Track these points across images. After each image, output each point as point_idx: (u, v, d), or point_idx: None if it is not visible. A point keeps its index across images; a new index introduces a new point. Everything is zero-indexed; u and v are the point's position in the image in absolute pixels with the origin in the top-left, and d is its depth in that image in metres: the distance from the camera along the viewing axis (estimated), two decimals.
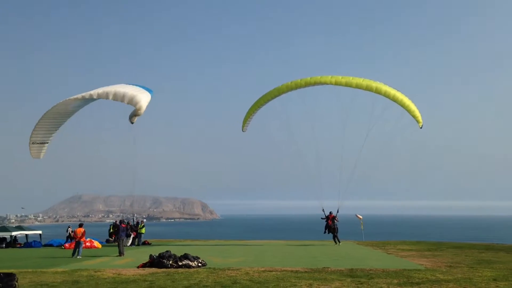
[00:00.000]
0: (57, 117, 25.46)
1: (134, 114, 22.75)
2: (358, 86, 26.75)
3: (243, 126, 31.52)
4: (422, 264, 19.41)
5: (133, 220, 34.35)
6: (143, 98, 23.09)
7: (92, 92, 24.06)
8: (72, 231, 35.90)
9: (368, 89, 26.70)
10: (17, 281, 12.92)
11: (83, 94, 24.21)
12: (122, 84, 25.00)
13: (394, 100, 26.92)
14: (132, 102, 22.82)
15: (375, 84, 26.81)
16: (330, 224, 32.05)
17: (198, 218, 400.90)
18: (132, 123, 23.03)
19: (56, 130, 26.11)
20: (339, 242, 32.32)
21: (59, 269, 18.02)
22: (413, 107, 27.40)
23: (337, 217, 32.28)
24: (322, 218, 32.59)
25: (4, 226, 39.68)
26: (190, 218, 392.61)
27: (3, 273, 13.21)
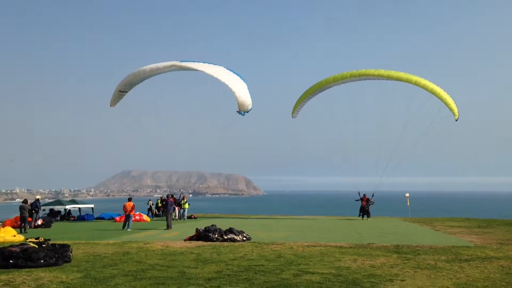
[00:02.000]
0: (146, 73, 26.32)
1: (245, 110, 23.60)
2: (399, 79, 28.59)
3: (292, 113, 33.22)
4: (472, 241, 18.87)
5: (180, 196, 35.14)
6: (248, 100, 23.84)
7: (192, 64, 24.63)
8: (152, 204, 37.51)
9: (408, 81, 28.42)
10: (71, 252, 13.56)
11: (193, 65, 24.79)
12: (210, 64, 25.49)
13: (433, 93, 28.19)
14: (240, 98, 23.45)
15: (414, 77, 28.43)
16: (364, 205, 33.68)
17: (242, 194, 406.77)
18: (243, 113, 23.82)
19: (137, 84, 27.22)
20: (367, 218, 33.55)
21: (111, 241, 18.78)
22: (450, 100, 28.35)
23: (372, 199, 33.68)
24: (356, 200, 34.29)
25: (58, 200, 41.68)
26: (234, 194, 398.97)
27: (59, 244, 13.91)
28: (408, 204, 38.24)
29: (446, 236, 21.32)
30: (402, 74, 28.69)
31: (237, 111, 23.36)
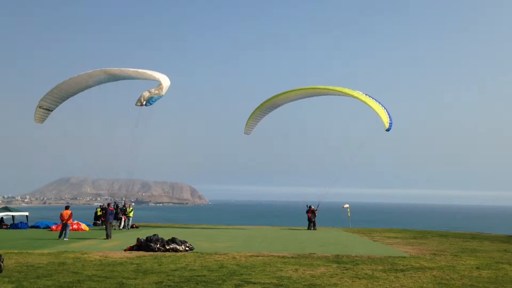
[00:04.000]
0: (73, 87, 25.47)
1: (155, 94, 23.51)
2: (341, 93, 30.16)
3: (245, 129, 34.09)
4: (407, 252, 19.65)
5: (122, 204, 34.24)
6: (166, 81, 24.01)
7: (123, 69, 24.37)
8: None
9: (347, 95, 30.01)
10: (2, 262, 12.82)
11: (111, 69, 24.39)
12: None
13: (368, 104, 29.59)
14: (159, 78, 23.74)
15: (350, 91, 30.02)
16: (310, 217, 34.64)
17: (187, 203, 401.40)
18: (142, 105, 23.65)
19: (64, 100, 26.19)
20: (315, 228, 34.53)
21: (46, 251, 17.95)
22: (381, 111, 29.66)
23: (316, 210, 34.76)
24: (306, 212, 35.00)
25: None
26: (179, 203, 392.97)
27: None
28: (349, 215, 39.32)
29: (383, 247, 22.07)
30: (343, 89, 30.17)
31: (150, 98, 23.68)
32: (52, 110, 26.52)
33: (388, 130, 29.73)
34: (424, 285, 11.68)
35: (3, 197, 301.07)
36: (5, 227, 34.16)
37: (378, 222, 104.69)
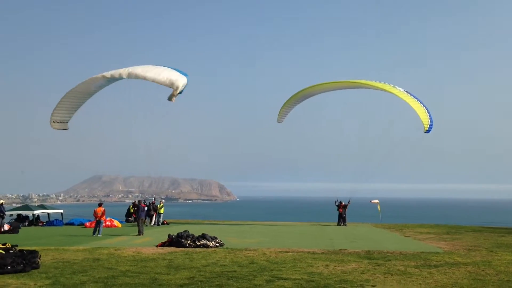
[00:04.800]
0: (79, 96, 25.66)
1: (172, 95, 23.15)
2: (382, 89, 29.07)
3: (278, 118, 33.55)
4: (440, 247, 19.29)
5: (153, 201, 34.78)
6: (179, 79, 23.43)
7: (121, 71, 24.12)
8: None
9: (389, 91, 28.84)
10: (39, 258, 13.23)
11: (112, 72, 24.29)
12: (152, 66, 24.99)
13: (410, 104, 28.71)
14: (167, 83, 23.11)
15: (392, 88, 28.96)
16: (341, 212, 34.31)
17: (215, 200, 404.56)
18: (171, 100, 23.39)
19: (76, 109, 26.36)
20: (345, 223, 34.19)
21: (80, 247, 18.42)
22: (421, 111, 28.70)
23: (347, 207, 34.38)
24: (337, 208, 34.74)
25: (27, 205, 40.65)
26: (207, 199, 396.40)
27: (27, 250, 13.56)
28: (379, 210, 38.83)
29: (415, 242, 21.73)
30: (384, 85, 29.23)
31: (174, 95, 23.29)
32: (67, 122, 26.61)
33: (427, 132, 28.92)
34: (459, 281, 11.45)
35: (39, 195, 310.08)
36: (41, 224, 35.19)
37: (410, 217, 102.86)
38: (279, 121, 33.81)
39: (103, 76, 24.36)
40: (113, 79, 24.89)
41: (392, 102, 29.54)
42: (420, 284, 10.96)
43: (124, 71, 23.98)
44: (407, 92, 28.99)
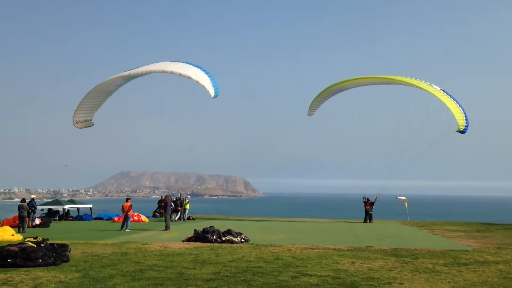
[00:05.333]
0: (99, 96, 26.19)
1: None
2: (417, 86, 28.47)
3: (309, 111, 33.23)
4: (470, 245, 18.89)
5: (180, 196, 35.18)
6: (207, 81, 24.27)
7: (151, 68, 24.65)
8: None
9: (424, 89, 28.26)
10: (70, 252, 13.55)
11: (137, 70, 24.78)
12: (171, 62, 25.44)
13: (444, 103, 27.94)
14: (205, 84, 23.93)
15: (429, 86, 28.36)
16: (367, 209, 33.92)
17: (240, 196, 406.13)
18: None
19: (97, 108, 26.93)
20: (371, 221, 33.80)
21: (109, 241, 18.77)
22: (456, 111, 28.00)
23: (374, 204, 33.92)
24: (363, 201, 34.32)
25: (57, 200, 41.61)
26: (232, 195, 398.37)
27: (57, 244, 13.91)
28: (406, 207, 38.30)
29: (444, 240, 21.33)
30: (420, 83, 28.60)
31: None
32: (91, 120, 27.24)
33: (462, 132, 28.14)
34: (489, 279, 11.19)
35: (69, 190, 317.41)
36: (70, 219, 36.00)
37: (438, 215, 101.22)
38: (309, 114, 33.43)
39: (129, 76, 24.92)
40: (130, 78, 25.45)
41: (426, 100, 28.77)
42: (449, 282, 10.75)
43: (154, 68, 24.54)
44: (443, 90, 28.19)
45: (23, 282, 10.15)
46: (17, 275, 10.89)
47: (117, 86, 26.23)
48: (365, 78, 30.65)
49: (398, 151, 28.53)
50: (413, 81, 28.66)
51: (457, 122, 27.89)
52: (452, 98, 28.04)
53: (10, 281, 10.23)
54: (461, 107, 28.01)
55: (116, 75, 24.94)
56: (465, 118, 27.93)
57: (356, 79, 30.59)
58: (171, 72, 23.91)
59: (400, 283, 10.52)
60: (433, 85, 28.52)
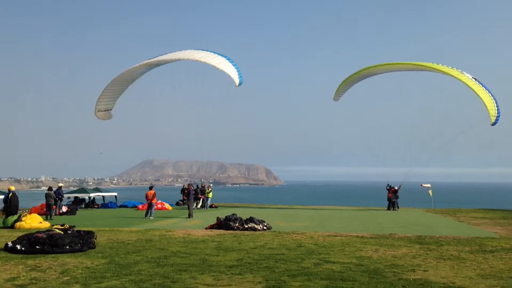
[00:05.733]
0: (121, 84, 26.54)
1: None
2: (449, 74, 27.56)
3: (335, 95, 33.00)
4: (496, 232, 18.55)
5: (201, 185, 35.51)
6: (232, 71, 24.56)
7: (176, 56, 24.89)
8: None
9: (456, 78, 27.43)
10: (96, 238, 13.83)
11: (162, 57, 25.01)
12: (196, 50, 25.63)
13: (477, 93, 27.08)
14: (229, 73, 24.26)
15: (461, 75, 27.56)
16: (390, 197, 33.81)
17: (262, 184, 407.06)
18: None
19: (118, 96, 27.30)
20: (395, 208, 33.61)
21: (134, 229, 19.08)
22: (488, 101, 27.16)
23: (398, 191, 33.68)
24: (387, 189, 34.14)
25: (83, 188, 42.51)
26: (254, 184, 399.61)
27: (84, 231, 14.21)
28: (431, 195, 37.79)
29: (470, 227, 21.00)
30: (452, 70, 27.83)
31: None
32: (111, 109, 27.64)
33: (493, 124, 27.45)
34: None
35: (94, 179, 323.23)
36: (96, 206, 36.73)
37: (464, 202, 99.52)
38: (335, 99, 32.95)
39: (143, 65, 25.19)
40: (152, 66, 25.69)
41: (457, 88, 27.97)
42: (474, 269, 10.58)
43: (182, 55, 24.79)
44: (475, 79, 27.31)
45: (51, 268, 10.41)
46: (45, 261, 11.17)
47: (140, 74, 26.52)
48: (395, 64, 29.84)
49: (424, 140, 28.04)
50: (444, 68, 27.86)
51: (489, 113, 27.05)
52: (484, 87, 27.15)
53: (39, 267, 10.51)
54: (493, 97, 27.09)
55: (141, 63, 25.18)
56: (496, 109, 27.07)
57: (386, 64, 29.90)
58: (197, 60, 24.08)
59: (424, 270, 10.40)
60: (464, 73, 27.65)
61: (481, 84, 27.22)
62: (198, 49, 25.49)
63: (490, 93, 27.17)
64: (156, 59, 25.10)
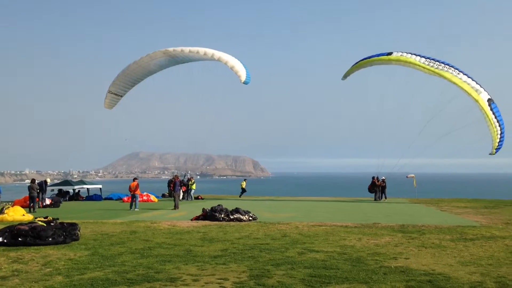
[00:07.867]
0: (138, 72, 26.38)
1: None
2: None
3: (344, 75, 31.72)
4: (478, 221, 18.89)
5: (185, 177, 35.43)
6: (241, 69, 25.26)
7: (194, 49, 24.98)
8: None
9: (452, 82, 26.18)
10: (79, 230, 13.73)
11: (181, 49, 25.13)
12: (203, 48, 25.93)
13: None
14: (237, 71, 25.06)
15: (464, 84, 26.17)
16: (370, 189, 34.15)
17: (249, 176, 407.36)
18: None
19: (132, 86, 27.15)
20: (382, 199, 33.92)
21: (118, 220, 19.00)
22: (493, 130, 26.33)
23: (380, 182, 33.68)
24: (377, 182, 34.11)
25: (67, 180, 42.11)
26: (241, 175, 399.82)
27: (67, 223, 14.10)
28: (415, 185, 38.24)
29: (452, 216, 21.34)
30: (472, 91, 26.08)
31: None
32: (121, 96, 27.52)
33: (492, 154, 26.85)
34: (495, 254, 11.20)
35: (79, 171, 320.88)
36: (81, 199, 36.42)
37: (447, 192, 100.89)
38: (343, 78, 32.16)
39: (161, 52, 25.21)
40: (171, 59, 25.72)
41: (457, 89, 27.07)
42: (455, 257, 10.78)
43: (193, 49, 24.99)
44: (490, 100, 25.85)
45: (34, 260, 10.34)
46: (28, 253, 11.08)
47: (159, 66, 26.39)
48: (412, 62, 27.17)
49: (413, 132, 27.94)
50: (464, 85, 25.98)
51: (492, 143, 26.51)
52: (495, 112, 25.79)
53: (21, 259, 10.43)
54: (501, 127, 26.07)
55: (161, 49, 25.33)
56: (499, 138, 26.28)
57: (403, 58, 27.51)
58: (212, 56, 24.49)
59: (406, 258, 10.57)
60: (482, 91, 25.98)
61: (493, 110, 25.87)
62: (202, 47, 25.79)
63: (500, 122, 26.05)
64: (179, 48, 25.14)
